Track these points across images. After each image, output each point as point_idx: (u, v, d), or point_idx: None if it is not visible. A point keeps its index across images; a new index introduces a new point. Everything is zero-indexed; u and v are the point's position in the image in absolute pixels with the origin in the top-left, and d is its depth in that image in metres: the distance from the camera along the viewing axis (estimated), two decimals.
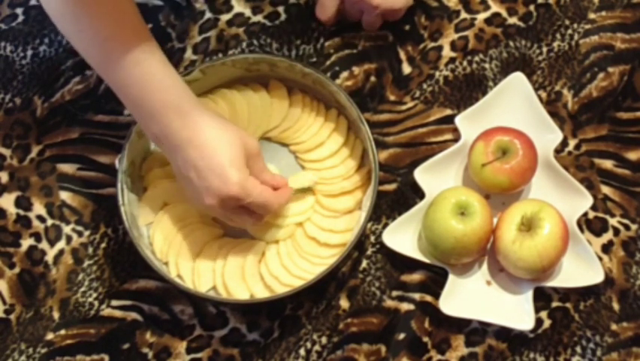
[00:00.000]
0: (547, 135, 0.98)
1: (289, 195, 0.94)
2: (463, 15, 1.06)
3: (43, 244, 0.99)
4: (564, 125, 1.01)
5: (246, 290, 0.95)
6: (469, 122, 0.99)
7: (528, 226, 0.92)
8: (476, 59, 1.04)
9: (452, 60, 1.05)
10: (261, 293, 0.95)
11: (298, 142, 1.00)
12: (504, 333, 0.95)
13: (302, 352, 0.95)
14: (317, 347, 0.95)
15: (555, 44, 1.04)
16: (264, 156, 0.92)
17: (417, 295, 0.96)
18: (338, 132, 1.00)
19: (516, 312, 0.93)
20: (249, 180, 0.88)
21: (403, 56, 1.05)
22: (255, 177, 0.89)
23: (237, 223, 0.93)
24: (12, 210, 1.01)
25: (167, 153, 0.89)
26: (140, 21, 0.88)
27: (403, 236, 0.97)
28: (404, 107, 1.03)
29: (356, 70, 1.05)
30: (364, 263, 0.98)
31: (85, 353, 0.96)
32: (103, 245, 0.99)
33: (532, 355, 0.94)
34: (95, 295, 0.98)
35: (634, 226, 0.98)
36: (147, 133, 0.90)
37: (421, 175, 0.97)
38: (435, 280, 0.96)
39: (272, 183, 0.92)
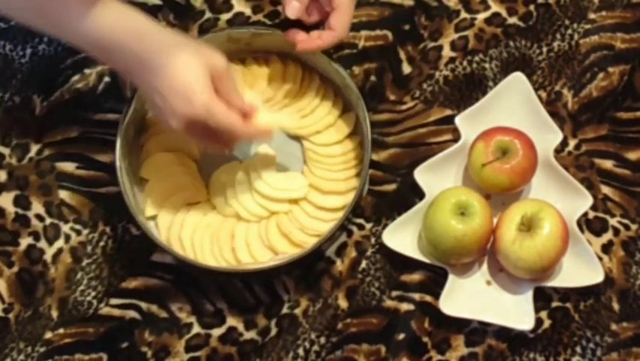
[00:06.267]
0: (547, 135, 0.98)
1: (259, 128, 0.90)
2: (463, 15, 1.06)
3: (42, 243, 0.99)
4: (564, 125, 1.01)
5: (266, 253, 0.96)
6: (469, 122, 0.99)
7: (528, 226, 0.91)
8: (476, 58, 1.04)
9: (452, 60, 1.04)
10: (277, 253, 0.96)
11: (303, 126, 1.00)
12: (504, 333, 0.94)
13: (300, 351, 0.95)
14: (316, 347, 0.95)
15: (555, 44, 1.04)
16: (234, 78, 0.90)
17: (417, 295, 0.96)
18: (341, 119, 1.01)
19: (516, 312, 0.93)
20: (213, 100, 0.85)
21: (402, 55, 1.05)
22: (222, 98, 0.86)
23: (208, 148, 0.92)
24: (10, 209, 1.00)
25: (135, 80, 0.88)
26: None
27: (402, 236, 0.96)
28: (404, 107, 1.03)
29: (356, 70, 1.04)
30: (364, 263, 0.98)
31: (83, 352, 0.96)
32: (101, 244, 0.99)
33: (532, 355, 0.94)
34: (93, 293, 0.97)
35: (634, 226, 0.98)
36: (113, 66, 0.88)
37: (421, 175, 0.97)
38: (435, 280, 0.96)
39: (240, 107, 0.88)
